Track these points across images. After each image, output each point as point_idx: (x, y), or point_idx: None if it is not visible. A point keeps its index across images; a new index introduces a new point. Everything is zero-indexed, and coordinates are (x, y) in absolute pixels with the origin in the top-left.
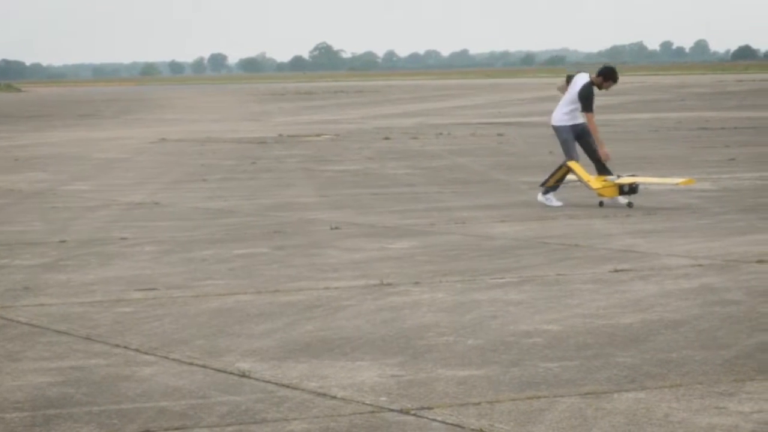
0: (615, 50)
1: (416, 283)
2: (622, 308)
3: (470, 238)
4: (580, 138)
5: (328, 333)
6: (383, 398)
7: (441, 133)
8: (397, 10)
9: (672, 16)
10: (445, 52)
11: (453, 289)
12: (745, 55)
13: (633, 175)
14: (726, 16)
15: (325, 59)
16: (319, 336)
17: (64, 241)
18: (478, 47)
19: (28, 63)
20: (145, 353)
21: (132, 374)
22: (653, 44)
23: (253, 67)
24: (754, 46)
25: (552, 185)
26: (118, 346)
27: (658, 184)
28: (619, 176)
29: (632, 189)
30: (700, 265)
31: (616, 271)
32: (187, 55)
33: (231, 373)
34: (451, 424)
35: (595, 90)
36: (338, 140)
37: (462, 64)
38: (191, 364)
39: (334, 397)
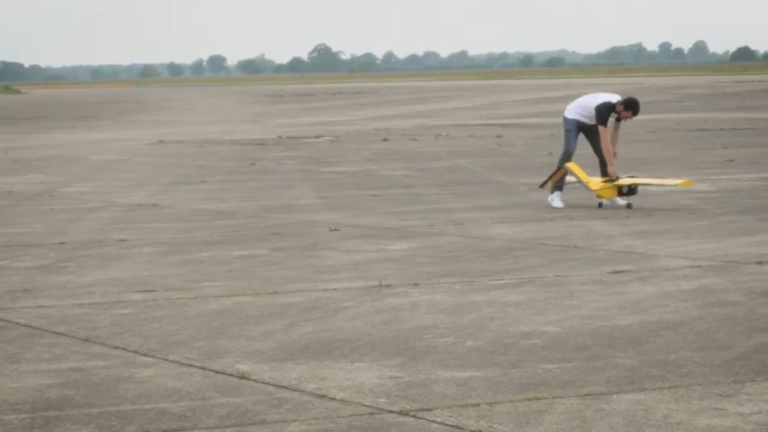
0: (614, 51)
1: (415, 285)
2: (621, 309)
3: (469, 240)
4: (589, 135)
5: (327, 334)
6: (382, 400)
7: (440, 135)
8: (396, 12)
9: (671, 18)
10: (444, 53)
11: (452, 291)
12: (744, 56)
13: (632, 177)
14: (725, 17)
15: (324, 61)
16: (318, 337)
17: (63, 243)
18: (477, 48)
19: (26, 65)
20: (144, 355)
21: (131, 376)
22: (652, 45)
23: (252, 68)
24: (753, 47)
25: (556, 186)
26: (117, 347)
27: (657, 185)
28: (618, 177)
29: (631, 190)
30: (699, 267)
31: (615, 272)
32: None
33: (230, 375)
34: (451, 426)
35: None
36: (337, 142)
37: (461, 66)
38: (190, 365)
39: (333, 399)
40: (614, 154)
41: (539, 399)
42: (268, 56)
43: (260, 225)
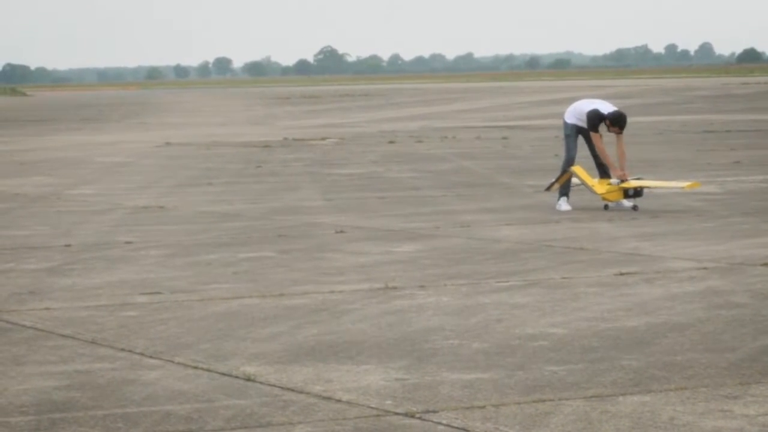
0: (620, 53)
1: (421, 287)
2: (627, 311)
3: (475, 242)
4: (587, 138)
5: (333, 336)
6: (388, 401)
7: (446, 137)
8: (401, 14)
9: (677, 19)
10: (450, 55)
11: (458, 293)
12: (750, 58)
13: (638, 179)
14: (731, 19)
15: (330, 63)
16: (324, 339)
17: (69, 245)
18: (483, 50)
19: (33, 67)
20: (150, 357)
21: (137, 378)
22: (658, 47)
23: (258, 70)
24: (759, 48)
25: (563, 192)
26: (123, 350)
27: (663, 187)
28: (623, 180)
29: (637, 192)
30: (705, 268)
31: (621, 274)
32: (192, 59)
33: (236, 377)
34: (457, 428)
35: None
36: (343, 144)
37: (467, 68)
38: (196, 367)
39: (339, 401)
40: (623, 168)
41: (545, 401)
42: (274, 58)
43: (266, 227)
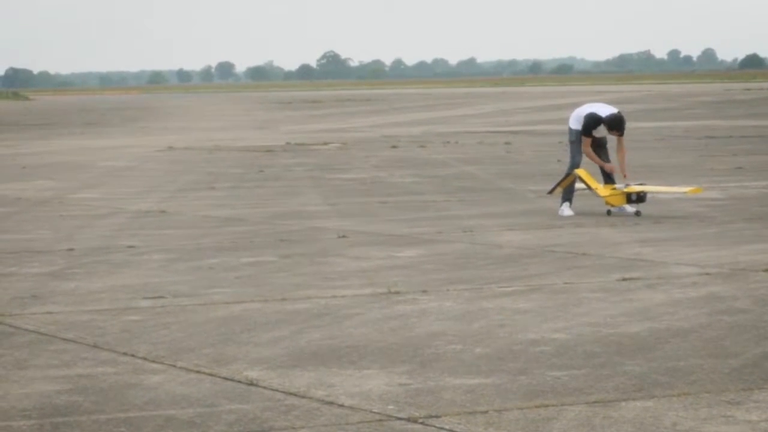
0: (622, 59)
1: (424, 292)
2: (629, 317)
3: (478, 247)
4: (594, 148)
5: (335, 341)
6: (391, 406)
7: (448, 142)
8: (404, 19)
9: (680, 25)
10: (453, 60)
11: (461, 298)
12: (752, 63)
13: (641, 184)
14: (734, 25)
15: (333, 67)
16: (326, 344)
17: (71, 249)
18: (486, 55)
19: (35, 71)
20: (153, 361)
21: (139, 382)
22: (661, 53)
23: (261, 75)
24: (762, 54)
25: (566, 197)
26: (125, 354)
27: (666, 192)
28: (627, 185)
29: (640, 198)
30: (707, 274)
31: (624, 279)
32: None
33: (238, 382)
34: None
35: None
36: (346, 149)
37: (469, 73)
38: (199, 372)
39: (341, 406)
40: (623, 170)
41: (548, 406)
42: (276, 63)
43: (269, 232)
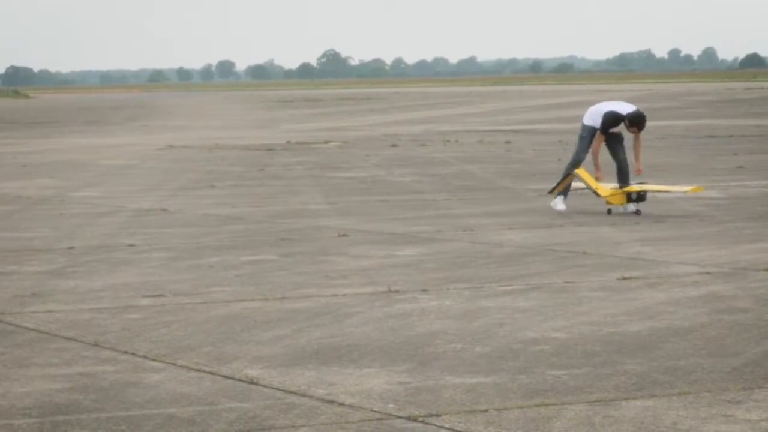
0: (623, 58)
1: (424, 291)
2: (629, 316)
3: (478, 246)
4: (608, 142)
5: (335, 340)
6: (391, 405)
7: (449, 141)
8: (405, 18)
9: (680, 24)
10: (453, 59)
11: (461, 297)
12: (753, 63)
13: (641, 183)
14: (734, 24)
15: (333, 66)
16: (326, 343)
17: (72, 248)
18: (486, 54)
19: (36, 69)
20: (153, 360)
21: (140, 381)
22: (661, 52)
23: (261, 74)
24: (762, 53)
25: (562, 190)
26: (126, 352)
27: (667, 192)
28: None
29: (640, 197)
30: (708, 273)
31: (624, 278)
32: (195, 61)
33: (239, 380)
34: None
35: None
36: (346, 147)
37: (470, 72)
38: (199, 370)
39: (342, 404)
40: (638, 169)
41: (548, 405)
42: (277, 62)
43: (269, 230)
